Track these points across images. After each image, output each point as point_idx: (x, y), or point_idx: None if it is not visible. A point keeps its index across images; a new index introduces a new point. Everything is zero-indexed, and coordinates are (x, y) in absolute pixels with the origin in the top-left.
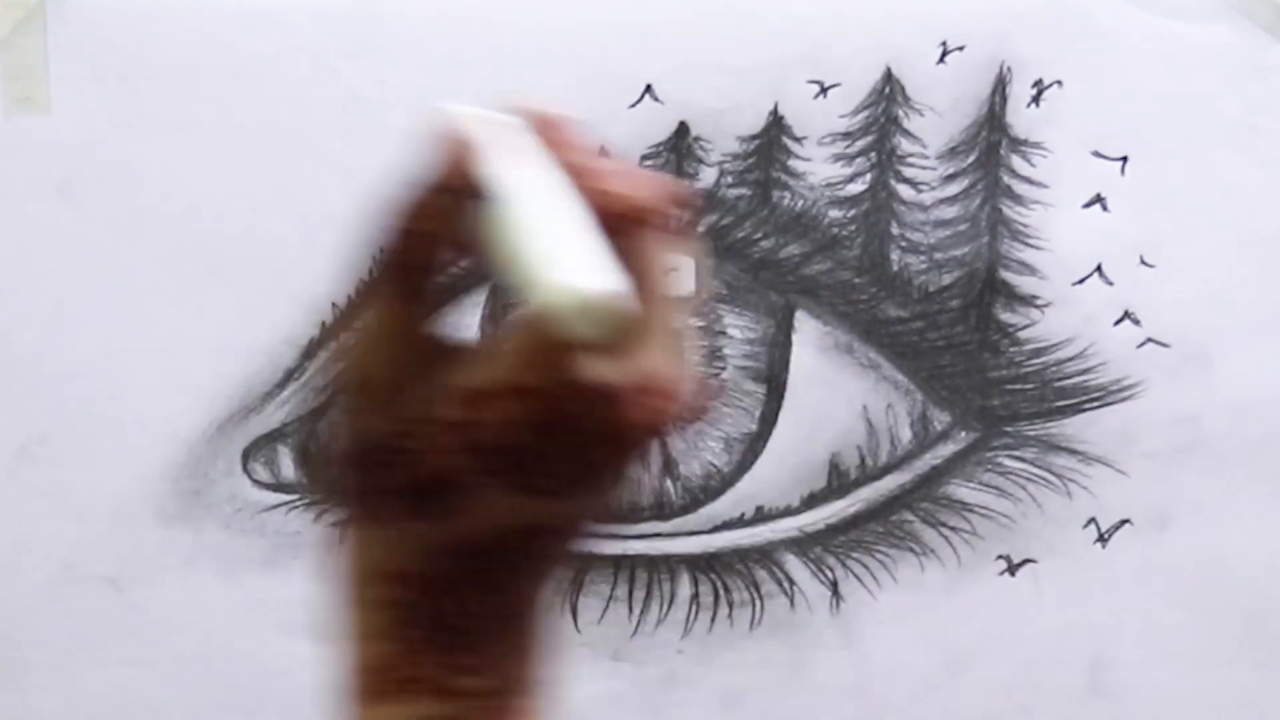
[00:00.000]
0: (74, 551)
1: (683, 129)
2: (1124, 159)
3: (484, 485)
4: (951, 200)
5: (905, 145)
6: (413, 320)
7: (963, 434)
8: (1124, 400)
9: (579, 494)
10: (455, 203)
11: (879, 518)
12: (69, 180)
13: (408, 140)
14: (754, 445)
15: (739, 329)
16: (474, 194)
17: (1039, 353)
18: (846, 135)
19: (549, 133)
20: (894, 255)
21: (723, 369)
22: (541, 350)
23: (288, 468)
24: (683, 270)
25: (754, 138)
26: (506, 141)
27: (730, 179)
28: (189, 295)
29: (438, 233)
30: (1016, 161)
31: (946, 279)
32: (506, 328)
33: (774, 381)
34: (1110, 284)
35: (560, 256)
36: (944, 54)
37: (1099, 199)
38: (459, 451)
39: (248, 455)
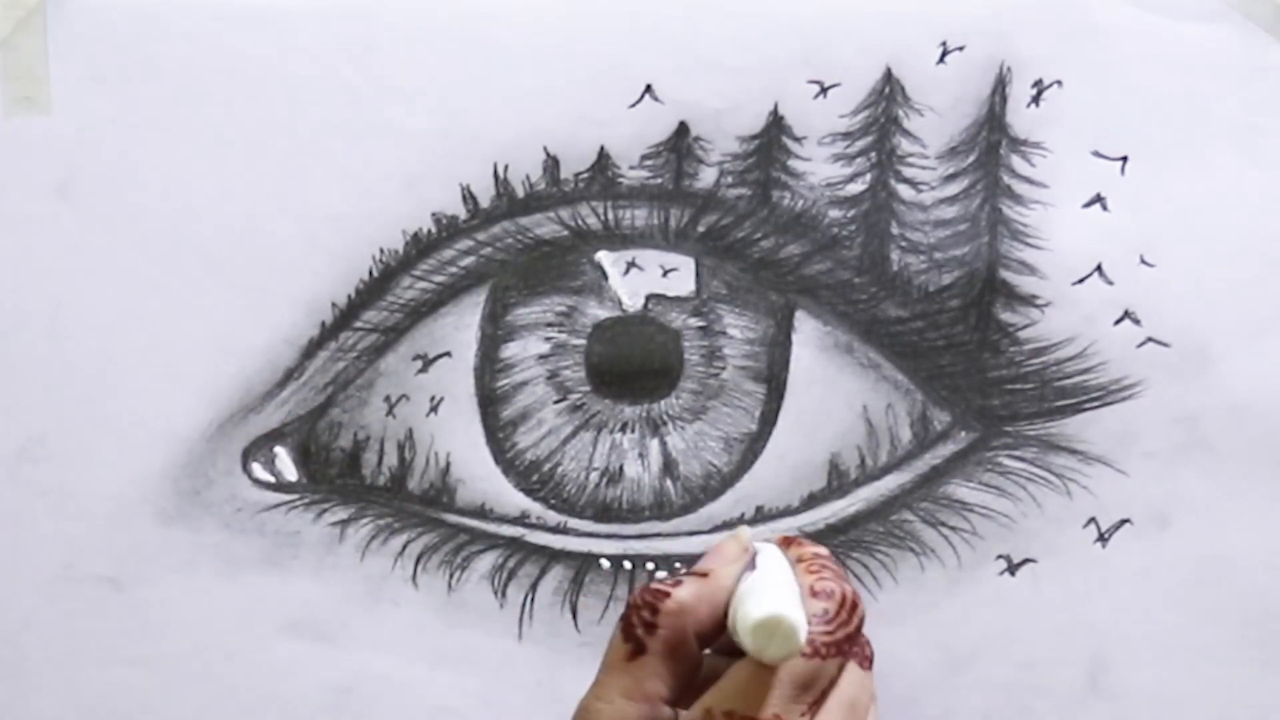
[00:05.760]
0: (74, 551)
1: (683, 129)
2: (1124, 159)
3: None
4: (951, 200)
5: (905, 145)
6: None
7: (963, 434)
8: (1124, 400)
9: None
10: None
11: (879, 518)
12: (69, 180)
13: (407, 140)
14: (754, 445)
15: (739, 329)
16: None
17: (1039, 352)
18: (846, 135)
19: (793, 545)
20: (894, 255)
21: (723, 369)
22: (752, 684)
23: (288, 468)
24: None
25: (754, 138)
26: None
27: (730, 179)
28: (189, 295)
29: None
30: (1016, 161)
31: (946, 279)
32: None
33: (774, 381)
34: (1110, 284)
35: (762, 601)
36: (944, 54)
37: (1099, 199)
38: None
39: (248, 455)
